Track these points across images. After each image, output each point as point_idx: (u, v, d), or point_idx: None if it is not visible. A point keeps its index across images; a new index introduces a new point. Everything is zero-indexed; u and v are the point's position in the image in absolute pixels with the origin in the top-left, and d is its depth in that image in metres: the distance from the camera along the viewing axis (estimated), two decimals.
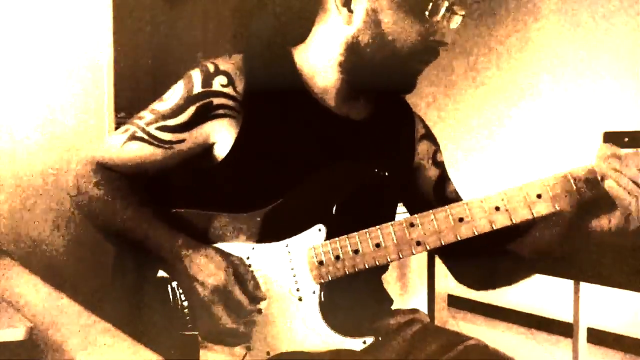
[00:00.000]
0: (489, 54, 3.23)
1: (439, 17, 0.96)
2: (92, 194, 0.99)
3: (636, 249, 1.26)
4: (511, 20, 3.12)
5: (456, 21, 0.99)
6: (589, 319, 1.90)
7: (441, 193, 1.14)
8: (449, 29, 0.98)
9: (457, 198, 0.92)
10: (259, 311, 0.94)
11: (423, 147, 1.15)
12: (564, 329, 2.68)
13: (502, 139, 3.18)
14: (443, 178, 1.16)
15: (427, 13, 0.94)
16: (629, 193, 0.82)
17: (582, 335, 1.90)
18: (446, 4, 0.95)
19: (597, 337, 2.55)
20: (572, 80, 2.88)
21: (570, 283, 1.92)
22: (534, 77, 3.04)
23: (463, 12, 0.98)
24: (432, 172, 1.15)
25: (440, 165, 1.16)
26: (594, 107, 2.78)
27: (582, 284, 1.87)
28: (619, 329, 2.66)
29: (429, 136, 1.17)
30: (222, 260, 0.91)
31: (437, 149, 1.17)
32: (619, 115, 2.68)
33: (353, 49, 0.99)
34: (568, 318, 2.13)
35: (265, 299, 0.93)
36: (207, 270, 0.90)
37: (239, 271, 0.92)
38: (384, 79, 1.00)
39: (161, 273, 0.98)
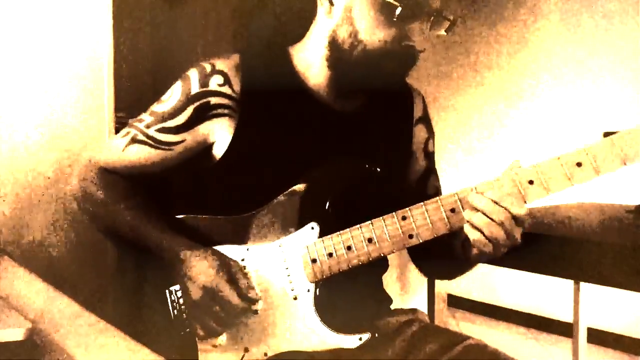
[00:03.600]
0: (489, 54, 3.23)
1: (416, 23, 0.95)
2: (95, 197, 1.00)
3: (636, 249, 1.26)
4: (511, 20, 3.12)
5: (445, 28, 0.98)
6: (589, 319, 1.90)
7: (422, 187, 1.13)
8: (431, 35, 0.97)
9: (435, 195, 0.91)
10: (255, 312, 0.94)
11: (418, 133, 1.13)
12: (564, 329, 2.68)
13: (502, 139, 3.18)
14: (429, 171, 1.14)
15: (395, 18, 0.94)
16: (483, 233, 0.85)
17: (582, 335, 1.90)
18: (426, 9, 0.95)
19: (597, 337, 2.55)
20: (572, 80, 2.88)
21: (570, 283, 1.92)
22: (534, 77, 3.03)
23: (451, 19, 0.98)
24: (421, 163, 1.13)
25: (429, 155, 1.14)
26: (594, 107, 2.78)
27: (582, 284, 1.87)
28: (619, 329, 2.66)
29: (425, 120, 1.15)
30: (215, 261, 0.92)
31: (430, 137, 1.15)
32: (619, 115, 2.68)
33: (334, 44, 1.00)
34: (568, 318, 2.13)
35: (258, 300, 0.93)
36: (199, 270, 0.91)
37: (232, 272, 0.92)
38: (364, 77, 1.00)
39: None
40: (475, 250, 0.89)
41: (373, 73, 0.99)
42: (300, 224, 0.95)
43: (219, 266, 0.92)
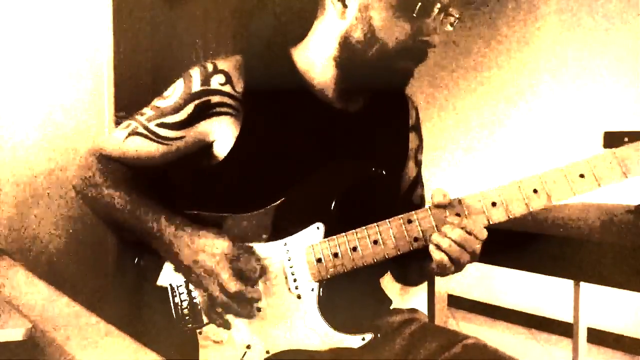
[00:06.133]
0: (489, 54, 3.23)
1: (430, 19, 0.96)
2: (95, 182, 1.01)
3: (636, 249, 1.26)
4: (511, 20, 3.13)
5: (450, 23, 0.99)
6: (589, 319, 1.90)
7: (409, 195, 1.14)
8: (440, 30, 0.98)
9: (420, 205, 0.93)
10: (258, 309, 0.95)
11: (411, 141, 1.15)
12: (564, 329, 2.68)
13: (502, 139, 3.19)
14: (417, 179, 1.16)
15: (414, 14, 0.95)
16: (447, 254, 0.88)
17: (582, 335, 1.90)
18: (438, 5, 0.96)
19: (597, 337, 2.55)
20: (572, 80, 2.88)
21: (570, 283, 1.92)
22: (534, 77, 3.04)
23: (457, 15, 0.98)
24: (412, 171, 1.15)
25: (418, 164, 1.16)
26: (594, 107, 2.78)
27: (582, 284, 1.87)
28: (619, 329, 2.66)
29: (417, 128, 1.16)
30: (221, 233, 0.93)
31: (420, 145, 1.17)
32: (619, 115, 2.69)
33: (346, 44, 1.00)
34: (568, 318, 2.13)
35: (259, 277, 0.94)
36: (211, 241, 0.92)
37: (240, 245, 0.94)
38: (375, 76, 1.01)
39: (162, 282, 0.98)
40: (434, 267, 0.92)
41: (386, 70, 1.00)
42: (303, 225, 0.96)
43: (228, 239, 0.92)
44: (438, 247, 0.89)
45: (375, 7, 0.96)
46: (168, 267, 0.98)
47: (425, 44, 0.98)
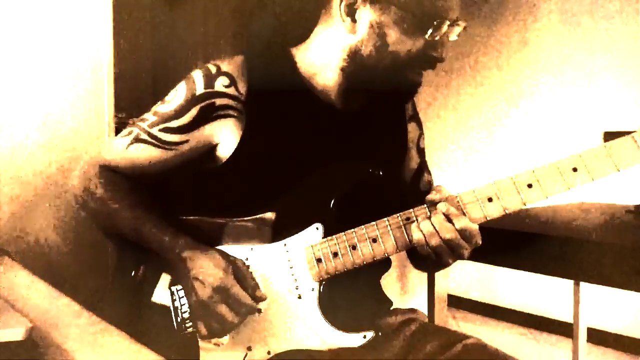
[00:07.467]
0: (489, 54, 3.23)
1: (440, 34, 0.97)
2: (97, 195, 1.00)
3: (636, 249, 1.27)
4: (511, 20, 3.12)
5: (456, 32, 1.00)
6: (589, 319, 1.90)
7: (416, 183, 1.15)
8: (447, 42, 0.99)
9: (428, 191, 0.94)
10: (259, 311, 0.95)
11: (410, 131, 1.15)
12: (564, 329, 2.68)
13: (502, 139, 3.19)
14: (422, 167, 1.17)
15: (430, 31, 0.96)
16: (423, 235, 0.90)
17: (582, 335, 1.90)
18: (448, 22, 0.97)
19: (597, 337, 2.55)
20: (572, 80, 2.88)
21: (570, 283, 1.92)
22: (534, 77, 3.04)
23: (464, 25, 0.99)
24: (414, 160, 1.15)
25: (421, 152, 1.17)
26: (594, 107, 2.78)
27: (582, 284, 1.87)
28: (619, 329, 2.66)
29: (416, 118, 1.17)
30: (222, 260, 0.92)
31: (422, 133, 1.17)
32: (619, 115, 2.69)
33: (355, 57, 1.00)
34: (568, 318, 2.13)
35: (264, 299, 0.94)
36: (207, 270, 0.91)
37: (239, 271, 0.93)
38: (383, 87, 1.02)
39: (159, 294, 0.99)
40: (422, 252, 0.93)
41: (395, 80, 1.01)
42: (302, 226, 0.96)
43: (227, 265, 0.92)
44: (418, 227, 0.91)
45: (389, 25, 0.97)
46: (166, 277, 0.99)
47: (435, 59, 0.99)
